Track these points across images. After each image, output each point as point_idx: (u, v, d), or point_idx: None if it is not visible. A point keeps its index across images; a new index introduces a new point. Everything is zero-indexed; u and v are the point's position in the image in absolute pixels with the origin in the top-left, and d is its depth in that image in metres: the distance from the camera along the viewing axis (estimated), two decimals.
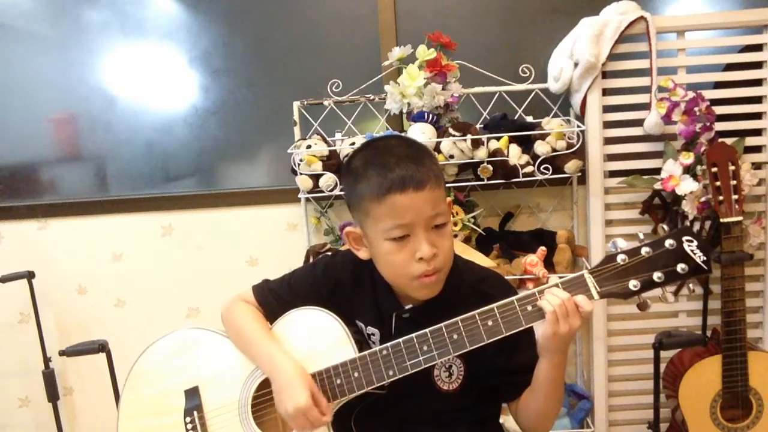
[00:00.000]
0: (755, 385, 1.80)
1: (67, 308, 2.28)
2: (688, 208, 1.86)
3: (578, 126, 1.94)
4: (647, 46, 1.92)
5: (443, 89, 1.92)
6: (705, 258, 1.04)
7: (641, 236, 1.09)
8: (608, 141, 2.01)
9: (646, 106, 1.96)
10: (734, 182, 1.75)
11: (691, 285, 1.16)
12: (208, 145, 2.24)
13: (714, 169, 1.77)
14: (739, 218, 1.76)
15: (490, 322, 1.07)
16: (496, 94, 2.05)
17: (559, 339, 1.06)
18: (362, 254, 1.18)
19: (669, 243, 1.05)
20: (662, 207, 1.97)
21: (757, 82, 1.97)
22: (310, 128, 2.11)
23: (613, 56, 1.94)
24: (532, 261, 1.89)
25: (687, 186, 1.84)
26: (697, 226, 1.90)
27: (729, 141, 1.86)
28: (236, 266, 2.22)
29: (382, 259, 1.13)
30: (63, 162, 2.31)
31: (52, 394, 2.12)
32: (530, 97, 2.05)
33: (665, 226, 1.10)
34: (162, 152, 2.25)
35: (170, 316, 2.25)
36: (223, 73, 2.21)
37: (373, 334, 1.22)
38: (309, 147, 1.96)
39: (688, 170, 1.86)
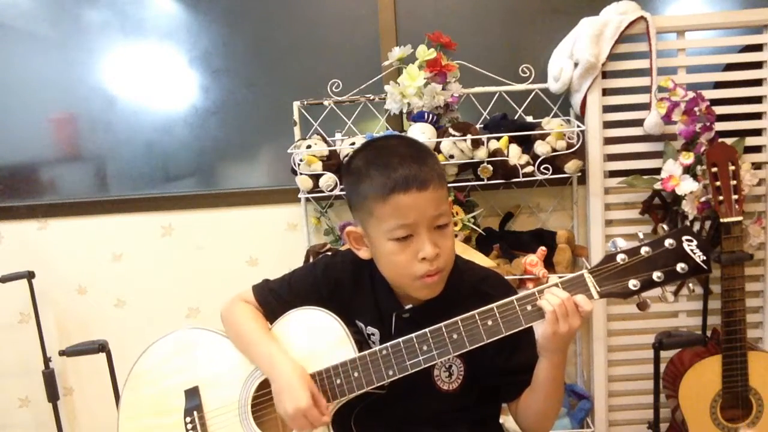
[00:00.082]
0: (755, 385, 1.80)
1: (67, 308, 2.28)
2: (688, 208, 1.86)
3: (578, 126, 1.94)
4: (647, 46, 1.92)
5: (443, 89, 1.92)
6: (705, 257, 1.04)
7: (641, 236, 1.09)
8: (608, 141, 2.01)
9: (646, 106, 1.96)
10: (734, 182, 1.75)
11: (691, 285, 1.17)
12: (208, 145, 2.24)
13: (714, 169, 1.77)
14: (739, 218, 1.76)
15: (489, 322, 1.07)
16: (496, 94, 2.06)
17: (559, 339, 1.05)
18: (363, 254, 1.17)
19: (669, 242, 1.05)
20: (662, 207, 1.97)
21: (757, 82, 1.97)
22: (310, 128, 2.11)
23: (613, 56, 1.94)
24: (532, 261, 1.89)
25: (687, 186, 1.84)
26: (697, 226, 1.90)
27: (729, 141, 1.86)
28: (236, 266, 2.22)
29: (385, 259, 1.13)
30: (63, 162, 2.31)
31: (52, 394, 2.12)
32: (530, 97, 2.05)
33: (665, 226, 1.10)
34: (162, 152, 2.25)
35: (170, 316, 2.25)
36: (223, 73, 2.21)
37: (373, 334, 1.22)
38: (309, 147, 1.96)
39: (688, 170, 1.86)
